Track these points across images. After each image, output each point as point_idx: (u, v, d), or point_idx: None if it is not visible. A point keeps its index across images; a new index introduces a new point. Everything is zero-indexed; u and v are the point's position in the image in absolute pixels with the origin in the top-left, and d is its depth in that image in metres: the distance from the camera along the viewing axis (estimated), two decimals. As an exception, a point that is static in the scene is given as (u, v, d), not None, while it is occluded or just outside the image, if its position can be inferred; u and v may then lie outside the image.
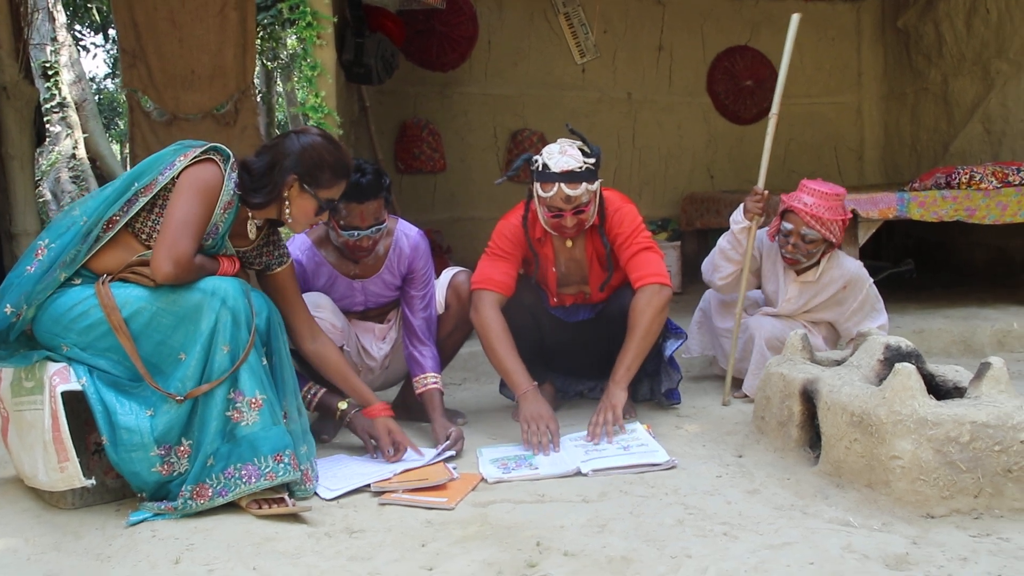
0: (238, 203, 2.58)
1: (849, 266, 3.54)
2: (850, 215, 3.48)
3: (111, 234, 2.47)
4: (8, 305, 2.43)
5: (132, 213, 2.47)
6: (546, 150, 3.04)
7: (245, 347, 2.47)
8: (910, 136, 7.19)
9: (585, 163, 3.01)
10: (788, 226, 3.43)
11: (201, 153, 2.53)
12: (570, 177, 2.98)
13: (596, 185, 3.06)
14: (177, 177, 2.49)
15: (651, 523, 2.29)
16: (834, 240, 3.42)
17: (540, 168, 3.02)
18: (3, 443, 2.68)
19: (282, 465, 2.44)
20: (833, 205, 3.38)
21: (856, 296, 3.51)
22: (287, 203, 2.61)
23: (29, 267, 2.46)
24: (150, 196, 2.48)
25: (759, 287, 3.71)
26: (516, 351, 3.10)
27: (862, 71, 7.72)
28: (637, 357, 3.05)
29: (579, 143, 3.06)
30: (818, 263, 3.50)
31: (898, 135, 7.39)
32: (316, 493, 2.58)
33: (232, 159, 2.58)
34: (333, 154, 2.62)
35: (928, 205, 4.69)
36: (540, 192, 3.04)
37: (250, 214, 2.64)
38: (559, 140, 3.09)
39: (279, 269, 2.77)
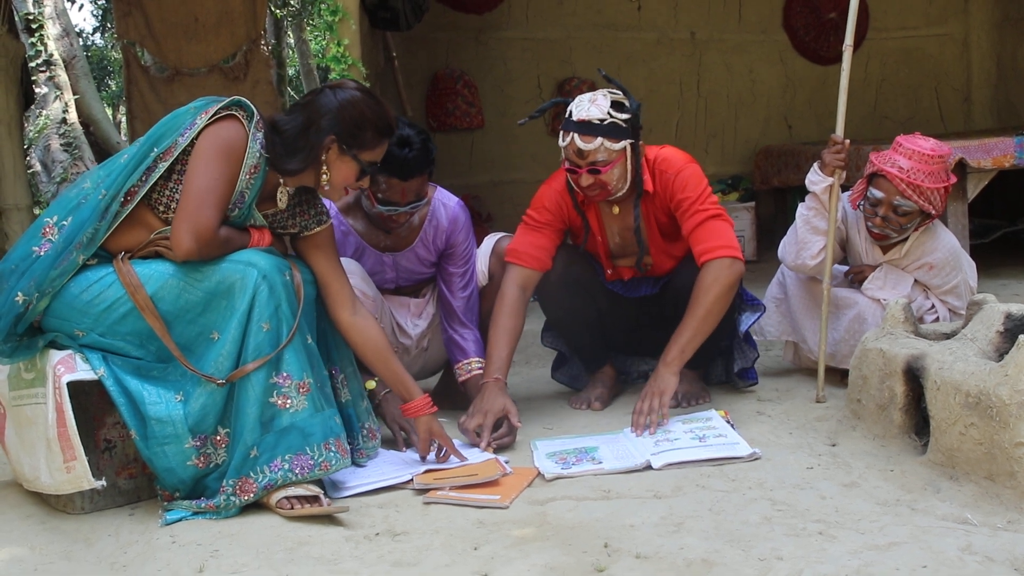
0: (265, 167, 2.58)
1: (944, 245, 3.34)
2: (954, 180, 3.27)
3: (129, 208, 2.49)
4: (19, 293, 2.44)
5: (151, 182, 2.49)
6: (579, 97, 3.10)
7: (290, 325, 2.51)
8: (1028, 72, 7.04)
9: (612, 117, 3.02)
10: (877, 194, 3.25)
11: (221, 108, 2.54)
12: (586, 128, 3.01)
13: (621, 145, 3.05)
14: (196, 139, 2.50)
15: (734, 521, 2.29)
16: (933, 211, 3.24)
17: (566, 114, 3.09)
18: (0, 443, 2.74)
19: (332, 453, 2.51)
20: (935, 170, 3.19)
21: (944, 280, 3.35)
22: (324, 168, 2.63)
23: (38, 248, 2.47)
24: (169, 162, 2.50)
25: (844, 261, 3.55)
26: (510, 337, 3.13)
27: (970, -5, 7.57)
28: (693, 339, 3.04)
29: (618, 95, 3.08)
30: (907, 237, 3.33)
31: (1014, 70, 7.24)
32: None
33: (257, 116, 2.58)
34: (374, 110, 2.63)
35: (1052, 151, 4.59)
36: (560, 141, 3.11)
37: (281, 181, 2.64)
38: (599, 89, 3.13)
39: (318, 229, 2.77)
